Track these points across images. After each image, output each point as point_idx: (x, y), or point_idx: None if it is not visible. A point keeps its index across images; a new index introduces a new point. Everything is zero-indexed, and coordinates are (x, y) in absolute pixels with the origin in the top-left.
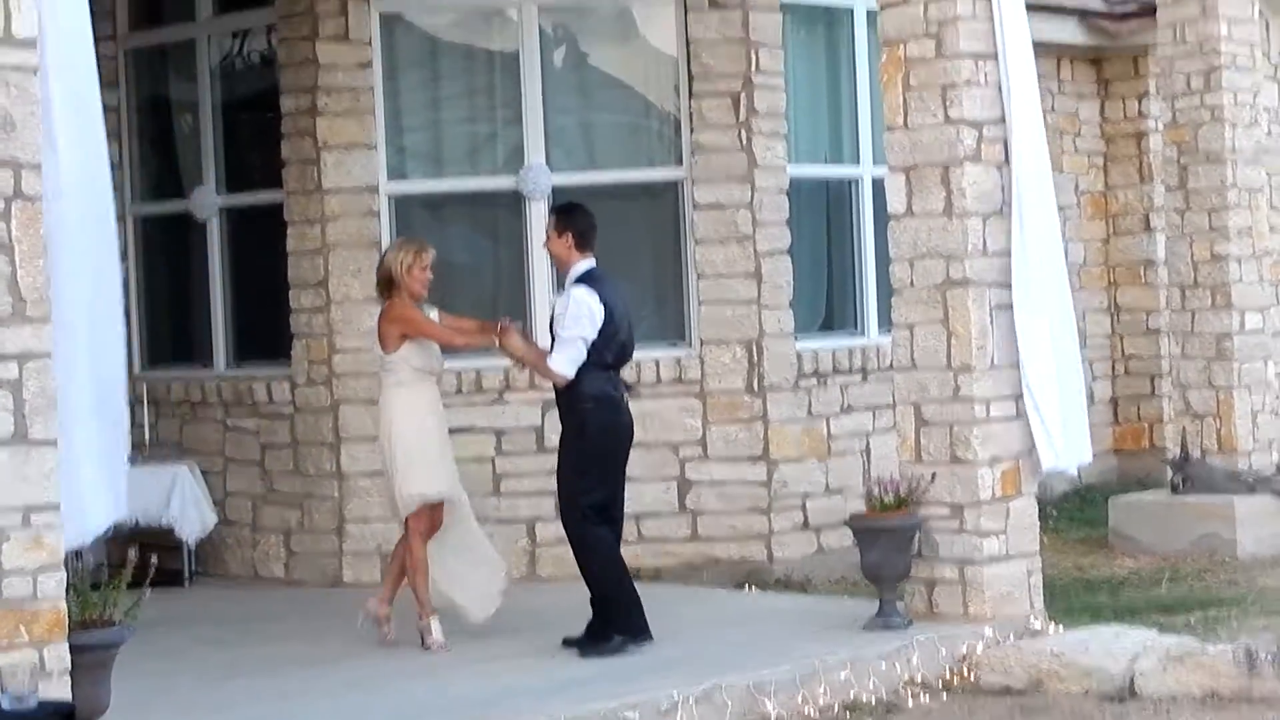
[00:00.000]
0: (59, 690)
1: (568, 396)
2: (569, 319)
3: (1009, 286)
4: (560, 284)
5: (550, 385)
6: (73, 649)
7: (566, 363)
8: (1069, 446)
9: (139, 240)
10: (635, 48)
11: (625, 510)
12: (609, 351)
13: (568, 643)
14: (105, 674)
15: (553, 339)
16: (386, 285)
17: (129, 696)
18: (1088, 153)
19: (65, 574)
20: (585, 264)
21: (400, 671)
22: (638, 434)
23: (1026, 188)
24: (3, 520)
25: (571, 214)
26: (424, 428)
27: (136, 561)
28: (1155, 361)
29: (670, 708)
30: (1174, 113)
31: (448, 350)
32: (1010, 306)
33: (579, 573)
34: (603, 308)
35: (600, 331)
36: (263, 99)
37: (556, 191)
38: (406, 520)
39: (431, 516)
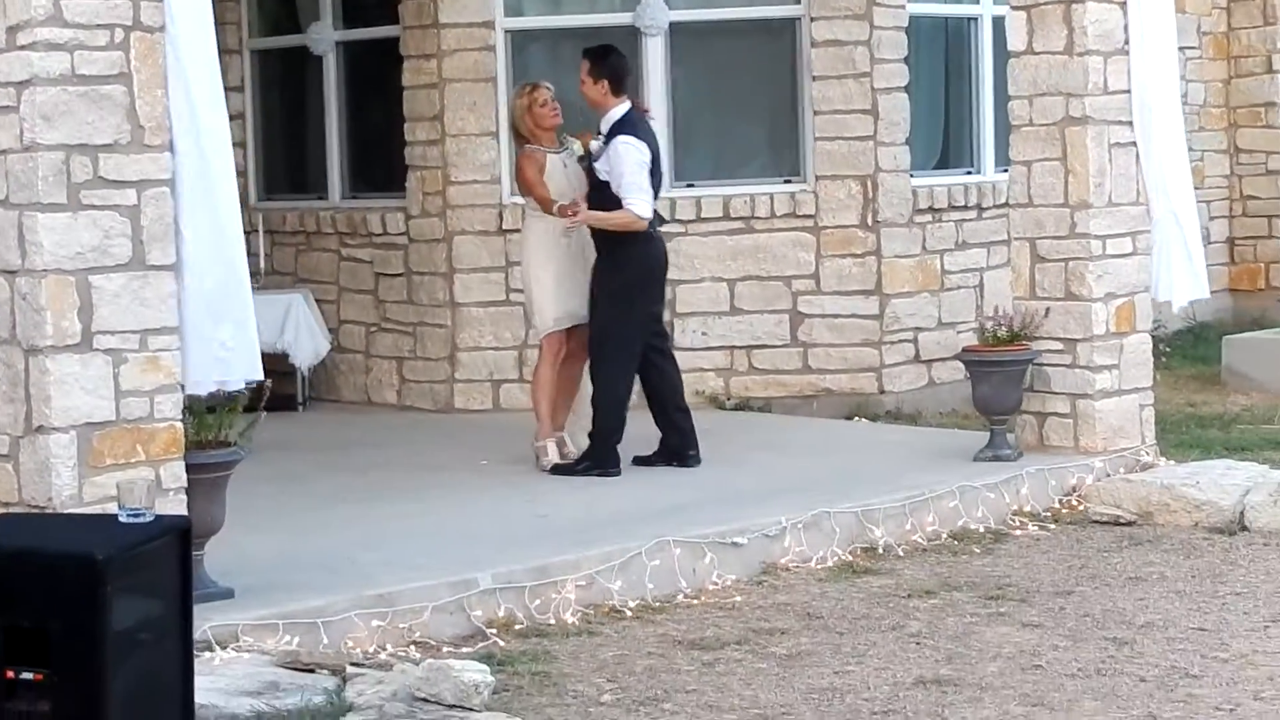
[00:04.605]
0: (175, 508)
1: (605, 230)
2: (630, 168)
3: (1126, 124)
4: (595, 126)
5: None
6: (188, 468)
7: (645, 207)
8: (1181, 282)
9: (255, 74)
10: None
11: (736, 341)
12: None
13: (638, 460)
14: (220, 493)
15: (592, 186)
16: (515, 134)
17: (242, 515)
18: None
19: (181, 395)
20: (620, 109)
21: (507, 497)
22: (748, 266)
23: (1149, 26)
24: (121, 343)
25: (605, 58)
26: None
27: (252, 385)
28: (1273, 203)
29: (778, 533)
30: None
31: None
32: (1128, 144)
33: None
34: (647, 150)
35: None
36: None
37: (673, 27)
38: (541, 344)
39: (561, 341)
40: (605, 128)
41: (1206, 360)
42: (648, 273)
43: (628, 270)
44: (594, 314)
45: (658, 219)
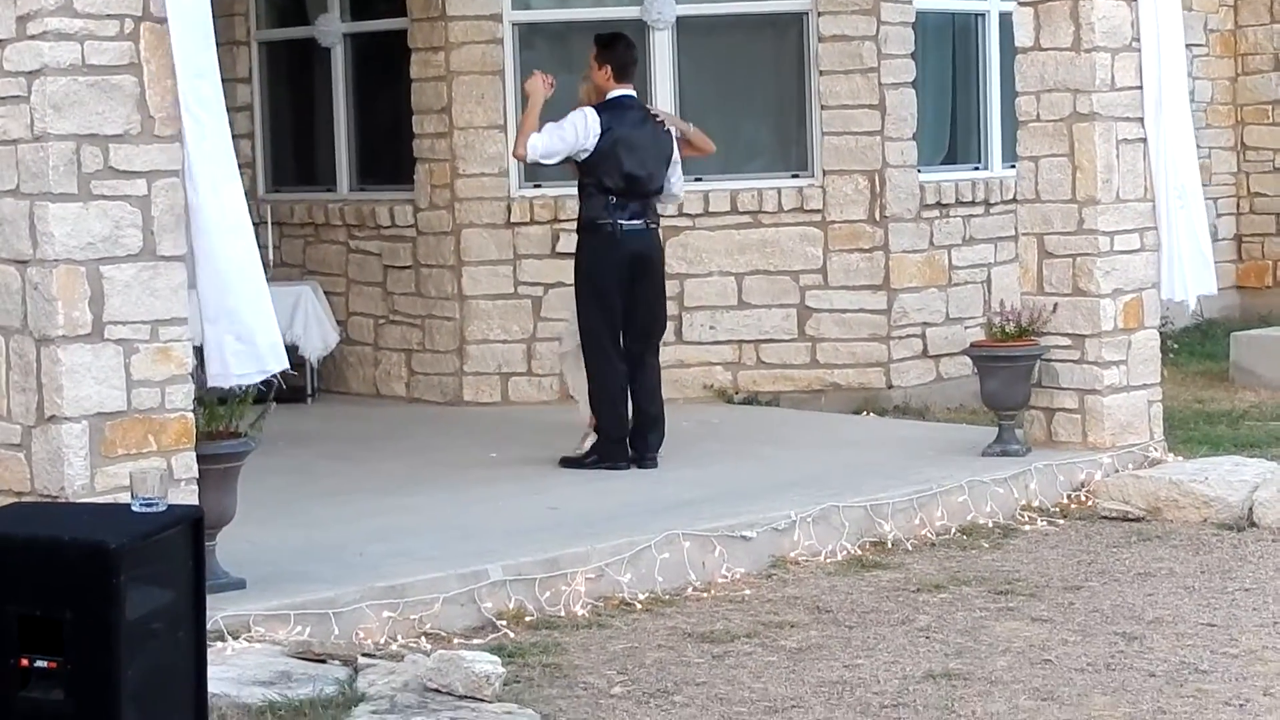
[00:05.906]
0: (186, 498)
1: (576, 222)
2: (564, 123)
3: (1134, 120)
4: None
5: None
6: (200, 458)
7: (535, 141)
8: (1193, 278)
9: (263, 65)
10: None
11: (744, 336)
12: (608, 177)
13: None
14: (231, 484)
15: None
16: None
17: (254, 507)
18: None
19: (192, 386)
20: (616, 92)
21: (518, 489)
22: (756, 261)
23: (1160, 22)
24: (132, 333)
25: (613, 46)
26: None
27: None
28: None
29: (788, 527)
30: None
31: None
32: (1135, 140)
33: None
34: (599, 127)
35: (596, 150)
36: None
37: (681, 21)
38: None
39: None
40: None
41: (1214, 357)
42: (597, 268)
43: (580, 263)
44: (576, 313)
45: (629, 214)
